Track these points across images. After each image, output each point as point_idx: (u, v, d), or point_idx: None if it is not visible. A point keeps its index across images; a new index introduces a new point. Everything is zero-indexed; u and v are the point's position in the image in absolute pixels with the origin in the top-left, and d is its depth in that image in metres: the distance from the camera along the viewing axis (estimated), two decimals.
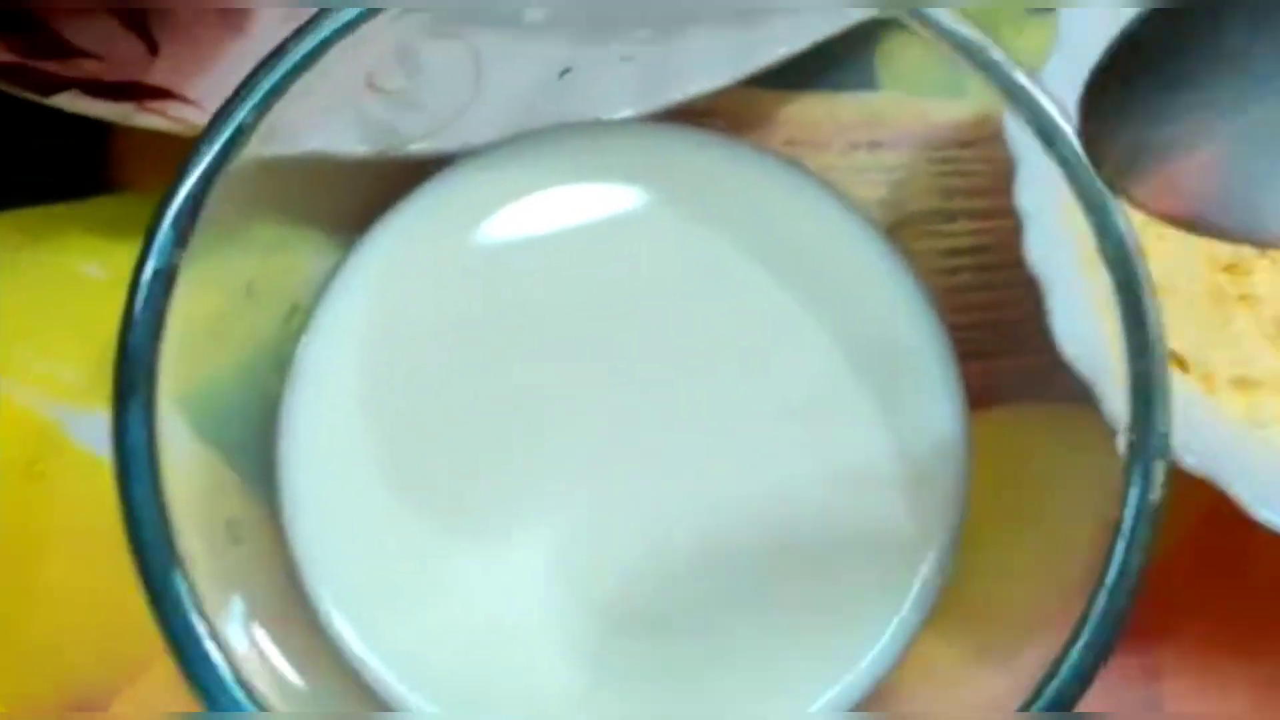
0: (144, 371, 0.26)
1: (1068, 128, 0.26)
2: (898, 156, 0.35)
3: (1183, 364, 0.34)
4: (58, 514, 0.35)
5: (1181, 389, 0.33)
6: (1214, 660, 0.35)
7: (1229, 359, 0.33)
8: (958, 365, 0.32)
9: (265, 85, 0.27)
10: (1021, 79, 0.26)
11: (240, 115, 0.27)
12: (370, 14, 0.28)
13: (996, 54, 0.26)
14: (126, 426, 0.25)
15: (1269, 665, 0.34)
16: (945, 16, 0.27)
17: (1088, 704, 0.25)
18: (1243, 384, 0.34)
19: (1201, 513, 0.33)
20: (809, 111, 0.35)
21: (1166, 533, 0.33)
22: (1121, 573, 0.25)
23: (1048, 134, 0.26)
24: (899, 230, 0.34)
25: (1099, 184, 0.26)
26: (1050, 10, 0.39)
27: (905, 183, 0.34)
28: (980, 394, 0.32)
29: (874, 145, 0.35)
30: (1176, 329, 0.33)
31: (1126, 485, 0.25)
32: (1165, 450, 0.25)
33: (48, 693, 0.34)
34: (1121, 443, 0.26)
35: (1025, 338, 0.31)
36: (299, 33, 0.27)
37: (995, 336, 0.33)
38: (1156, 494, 0.25)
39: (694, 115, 0.33)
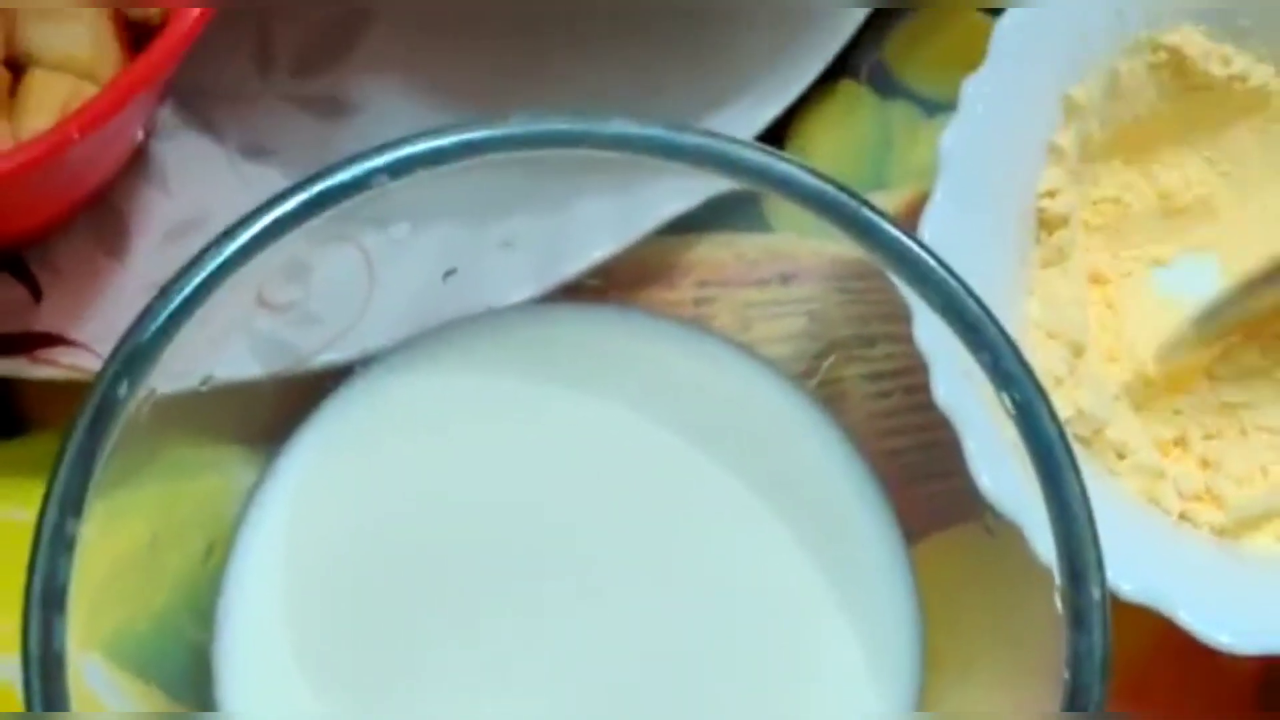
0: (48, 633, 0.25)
1: (949, 279, 0.25)
2: (808, 289, 0.34)
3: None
4: None
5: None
6: None
7: None
8: (890, 500, 0.31)
9: (148, 331, 0.26)
10: (891, 234, 0.25)
11: (125, 364, 0.26)
12: (258, 244, 0.27)
13: (863, 212, 0.26)
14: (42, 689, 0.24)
15: None
16: (809, 179, 0.26)
17: None
18: None
19: None
20: (714, 254, 0.35)
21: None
22: None
23: (931, 289, 0.25)
24: (825, 358, 0.33)
25: (991, 334, 0.25)
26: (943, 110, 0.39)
27: (821, 313, 0.34)
28: (921, 520, 0.31)
29: (785, 279, 0.34)
30: None
31: (1068, 648, 0.24)
32: (1103, 619, 0.24)
33: None
34: (1057, 600, 0.25)
35: (960, 458, 0.30)
36: (182, 273, 0.26)
37: (930, 458, 0.32)
38: (1098, 654, 0.24)
39: (592, 289, 0.33)
